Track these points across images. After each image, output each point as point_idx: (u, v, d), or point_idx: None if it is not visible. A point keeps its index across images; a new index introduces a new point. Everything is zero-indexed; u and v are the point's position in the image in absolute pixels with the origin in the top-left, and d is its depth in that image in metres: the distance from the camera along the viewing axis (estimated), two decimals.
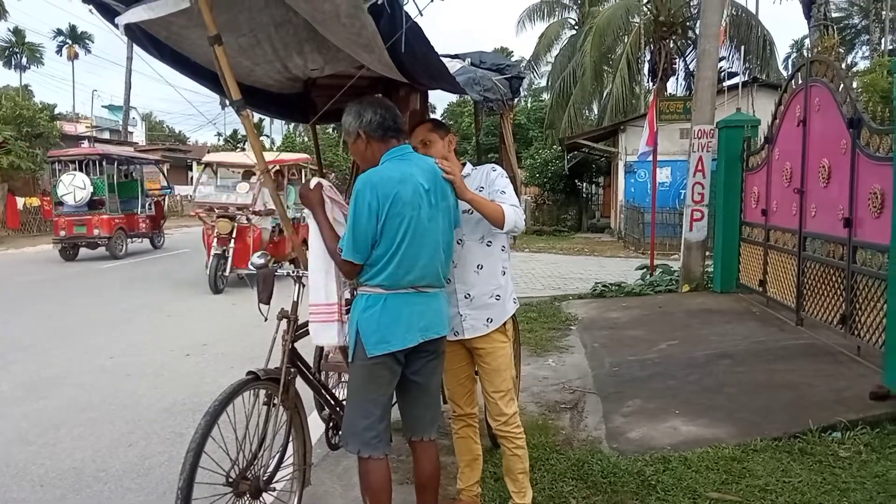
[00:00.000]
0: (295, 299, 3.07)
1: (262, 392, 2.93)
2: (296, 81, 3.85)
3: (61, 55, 61.30)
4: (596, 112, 29.73)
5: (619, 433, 4.39)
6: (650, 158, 11.67)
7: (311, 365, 3.50)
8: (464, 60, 4.30)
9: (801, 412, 4.39)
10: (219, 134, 62.91)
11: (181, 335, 7.57)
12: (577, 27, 30.05)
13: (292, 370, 3.01)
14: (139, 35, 2.95)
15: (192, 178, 42.53)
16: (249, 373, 2.86)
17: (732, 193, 9.01)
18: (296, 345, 3.07)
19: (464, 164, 3.16)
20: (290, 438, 3.11)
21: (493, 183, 3.04)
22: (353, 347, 2.71)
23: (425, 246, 2.70)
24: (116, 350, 6.82)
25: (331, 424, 3.59)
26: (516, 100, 5.48)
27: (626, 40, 23.92)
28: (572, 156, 25.99)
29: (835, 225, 5.94)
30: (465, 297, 3.00)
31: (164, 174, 21.54)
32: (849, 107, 5.80)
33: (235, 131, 58.76)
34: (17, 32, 56.29)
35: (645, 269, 11.04)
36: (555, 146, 27.76)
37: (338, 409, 3.46)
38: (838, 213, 5.86)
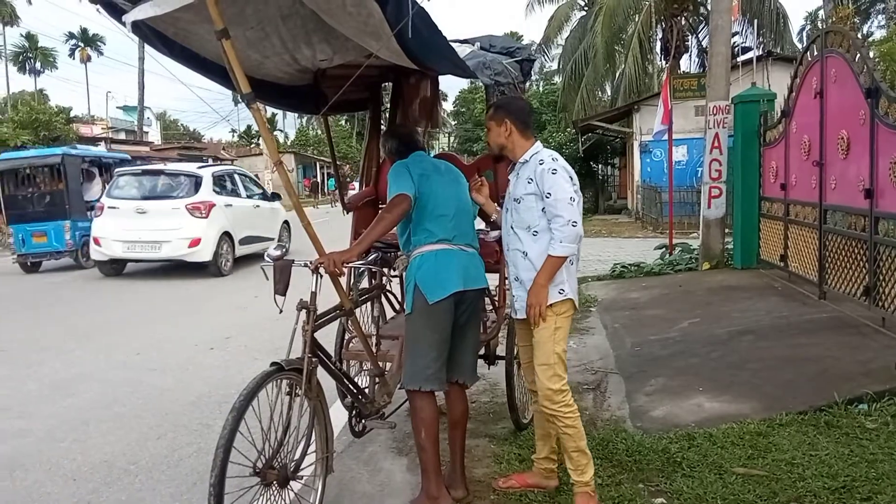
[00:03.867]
0: (313, 290, 3.09)
1: (285, 382, 2.97)
2: (305, 73, 3.86)
3: (74, 58, 61.71)
4: (609, 93, 29.50)
5: (642, 412, 4.39)
6: (665, 137, 11.58)
7: (332, 354, 3.58)
8: (473, 45, 4.28)
9: (826, 385, 4.36)
10: (233, 130, 63.32)
11: (203, 329, 7.64)
12: (586, 8, 29.76)
13: (314, 360, 3.05)
14: (147, 33, 2.97)
15: None
16: (273, 364, 2.89)
17: (750, 169, 8.92)
18: (316, 335, 3.10)
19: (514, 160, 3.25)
20: (314, 427, 3.14)
21: (541, 180, 3.02)
22: (411, 300, 3.19)
23: (451, 206, 3.31)
24: (137, 347, 6.88)
25: (353, 412, 3.62)
26: (528, 83, 5.40)
27: (636, 19, 23.68)
28: (586, 138, 25.83)
29: (855, 196, 5.86)
30: (516, 280, 3.18)
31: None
32: (866, 76, 5.71)
33: (249, 127, 59.12)
34: (30, 38, 56.80)
35: (664, 249, 10.97)
36: (568, 129, 27.61)
37: (360, 396, 3.52)
38: (859, 185, 5.79)
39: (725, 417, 4.11)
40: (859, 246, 5.90)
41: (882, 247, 5.48)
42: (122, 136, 42.18)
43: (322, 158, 43.79)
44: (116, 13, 2.87)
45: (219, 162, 28.09)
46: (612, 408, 4.54)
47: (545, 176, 3.00)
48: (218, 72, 3.32)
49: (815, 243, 6.89)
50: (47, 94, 52.10)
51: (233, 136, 62.02)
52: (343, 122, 45.74)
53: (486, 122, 3.31)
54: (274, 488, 2.87)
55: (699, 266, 9.59)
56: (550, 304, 3.04)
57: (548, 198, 2.98)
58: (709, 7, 16.61)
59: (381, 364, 3.79)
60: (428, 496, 3.16)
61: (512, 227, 3.18)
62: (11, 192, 14.00)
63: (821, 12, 28.62)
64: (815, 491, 3.16)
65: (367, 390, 3.64)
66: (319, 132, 46.61)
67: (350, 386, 3.49)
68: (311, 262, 3.10)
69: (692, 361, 5.32)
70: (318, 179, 48.44)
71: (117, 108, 59.71)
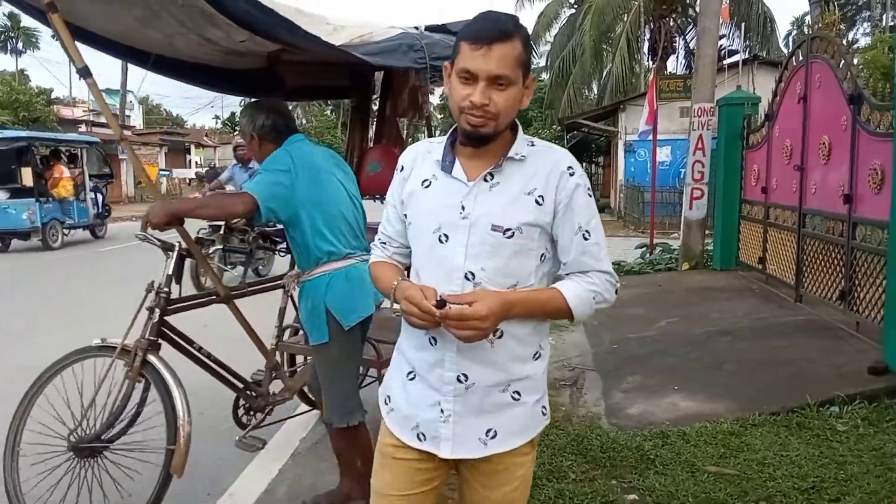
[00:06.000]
0: (169, 273, 3.07)
1: (114, 361, 3.01)
2: (246, 56, 3.62)
3: (57, 39, 60.84)
4: (596, 91, 29.59)
5: (618, 409, 4.42)
6: (650, 137, 11.64)
7: (194, 340, 3.32)
8: (417, 29, 3.83)
9: (799, 387, 4.41)
10: (216, 117, 62.73)
11: None
12: (576, 6, 29.78)
13: (156, 342, 3.04)
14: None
15: (190, 161, 42.43)
16: (97, 342, 3.02)
17: (732, 171, 8.99)
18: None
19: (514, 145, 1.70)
20: (143, 406, 3.15)
21: (571, 203, 1.66)
22: (324, 327, 2.87)
23: (350, 209, 2.97)
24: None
25: (240, 403, 3.56)
26: None
27: (625, 19, 23.78)
28: (572, 136, 25.94)
29: (835, 201, 5.93)
30: (459, 381, 1.65)
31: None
32: (850, 83, 5.77)
33: (233, 114, 58.56)
34: (13, 17, 55.89)
35: (644, 248, 11.05)
36: (554, 126, 27.70)
37: (245, 389, 3.47)
38: (838, 190, 5.85)
39: (699, 416, 4.15)
40: (837, 250, 5.98)
41: (859, 252, 5.55)
42: (104, 119, 41.61)
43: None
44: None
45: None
46: (588, 404, 4.57)
47: (578, 196, 1.66)
48: (125, 51, 3.39)
49: (793, 247, 6.97)
50: (28, 75, 51.32)
51: (216, 122, 61.42)
52: (328, 112, 45.46)
53: (503, 71, 1.56)
54: (89, 462, 3.00)
55: (679, 266, 9.66)
56: (529, 440, 1.72)
57: (587, 238, 1.69)
58: (697, 9, 16.69)
59: (276, 358, 3.65)
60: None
61: (471, 277, 1.62)
62: None
63: (807, 18, 28.87)
64: (784, 491, 3.20)
65: (251, 379, 3.57)
66: (304, 122, 46.34)
67: (226, 376, 3.41)
68: (141, 233, 2.97)
69: (669, 360, 5.36)
70: None
71: (100, 91, 58.82)
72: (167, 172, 22.09)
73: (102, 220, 16.90)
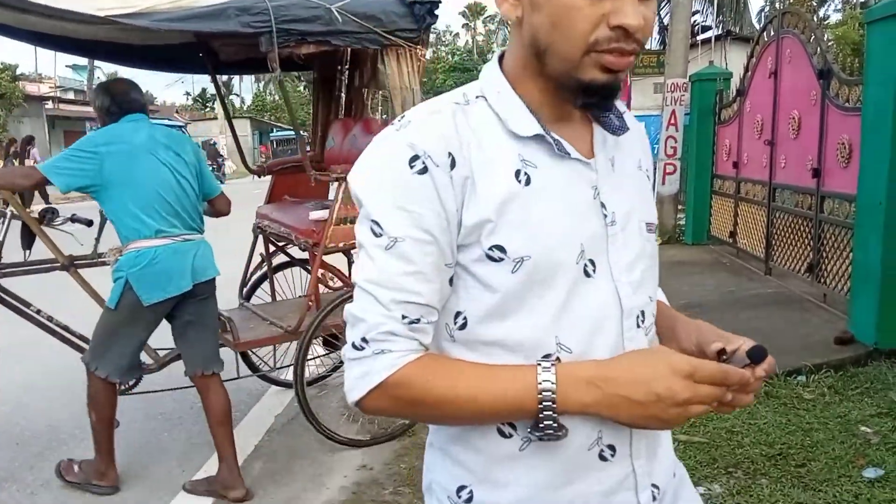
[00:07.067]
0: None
1: None
2: (155, 33, 3.26)
3: None
4: None
5: None
6: None
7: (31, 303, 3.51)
8: None
9: None
10: (187, 93, 61.68)
11: None
12: None
13: None
14: None
15: None
16: None
17: (704, 146, 9.06)
18: None
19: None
20: None
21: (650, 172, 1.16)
22: (119, 295, 2.98)
23: (169, 189, 3.00)
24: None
25: None
26: (422, 33, 3.58)
27: None
28: None
29: (803, 175, 6.01)
30: (654, 500, 1.05)
31: None
32: (819, 58, 5.82)
33: (204, 90, 57.67)
34: None
35: None
36: None
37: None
38: (807, 164, 5.93)
39: None
40: (805, 224, 6.07)
41: (826, 225, 5.64)
42: (71, 95, 40.71)
43: (279, 125, 43.06)
44: None
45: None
46: None
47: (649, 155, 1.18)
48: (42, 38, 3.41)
49: (763, 220, 7.07)
50: None
51: (187, 98, 60.42)
52: (302, 89, 44.90)
53: None
54: None
55: None
56: None
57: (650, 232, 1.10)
58: None
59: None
60: (96, 471, 3.23)
61: (642, 321, 1.05)
62: None
63: None
64: (752, 458, 3.28)
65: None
66: (277, 98, 45.71)
67: (72, 339, 3.55)
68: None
69: None
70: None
71: (66, 66, 57.53)
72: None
73: None
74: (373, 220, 0.92)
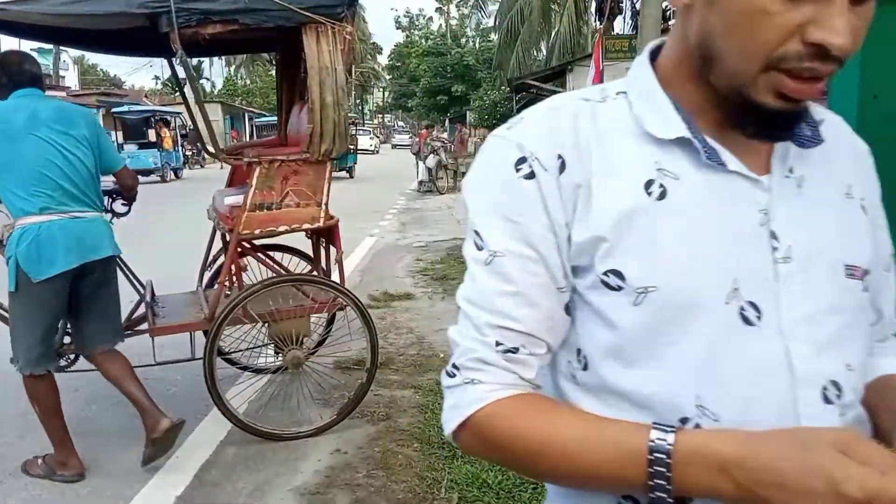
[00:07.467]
0: None
1: None
2: (124, 17, 3.20)
3: None
4: (544, 52, 29.60)
5: None
6: None
7: None
8: None
9: None
10: (156, 77, 60.70)
11: None
12: None
13: None
14: None
15: None
16: None
17: None
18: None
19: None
20: None
21: (875, 199, 0.90)
22: (14, 277, 2.96)
23: (54, 166, 2.93)
24: None
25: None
26: (345, 13, 3.47)
27: None
28: (521, 96, 25.89)
29: None
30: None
31: None
32: None
33: (174, 74, 56.78)
34: None
35: None
36: (503, 87, 27.63)
37: None
38: None
39: None
40: None
41: None
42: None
43: (251, 109, 42.56)
44: None
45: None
46: None
47: (875, 185, 0.91)
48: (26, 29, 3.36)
49: None
50: None
51: (156, 83, 59.48)
52: (274, 73, 44.34)
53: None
54: None
55: None
56: None
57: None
58: None
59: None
60: (57, 462, 3.23)
61: (833, 395, 0.77)
62: None
63: None
64: None
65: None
66: (248, 82, 45.11)
67: None
68: None
69: None
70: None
71: (31, 50, 56.19)
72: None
73: (182, 166, 25.67)
74: (475, 231, 0.81)
